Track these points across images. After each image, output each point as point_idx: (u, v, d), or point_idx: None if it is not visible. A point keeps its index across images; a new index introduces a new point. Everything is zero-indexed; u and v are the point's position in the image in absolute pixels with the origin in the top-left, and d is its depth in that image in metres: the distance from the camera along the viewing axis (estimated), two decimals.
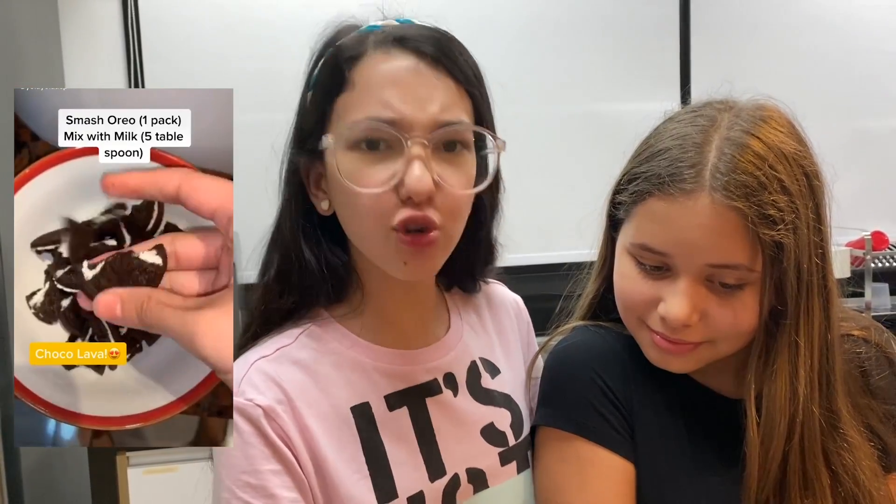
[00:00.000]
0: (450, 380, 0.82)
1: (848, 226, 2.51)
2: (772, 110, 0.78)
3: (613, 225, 0.83)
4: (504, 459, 0.83)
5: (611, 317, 0.86)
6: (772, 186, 0.71)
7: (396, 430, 0.78)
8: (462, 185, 0.74)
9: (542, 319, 0.97)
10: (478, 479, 0.81)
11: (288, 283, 0.78)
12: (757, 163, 0.72)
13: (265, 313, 0.80)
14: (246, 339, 0.80)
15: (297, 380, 0.75)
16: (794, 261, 0.72)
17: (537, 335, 0.97)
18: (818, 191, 0.76)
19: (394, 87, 0.71)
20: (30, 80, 1.90)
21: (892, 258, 2.58)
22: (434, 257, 0.75)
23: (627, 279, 0.78)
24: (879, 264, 2.55)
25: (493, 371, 0.87)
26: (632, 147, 0.82)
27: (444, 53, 0.73)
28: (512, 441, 0.84)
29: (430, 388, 0.81)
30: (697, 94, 2.33)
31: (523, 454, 0.85)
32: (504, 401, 0.86)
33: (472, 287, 0.90)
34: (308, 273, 0.77)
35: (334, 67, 0.73)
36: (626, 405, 0.80)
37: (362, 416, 0.77)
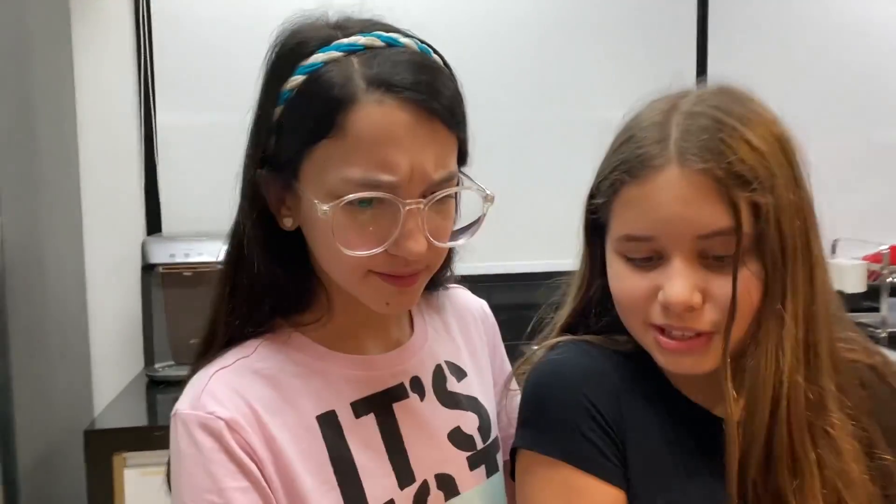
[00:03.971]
0: (416, 384, 0.80)
1: (866, 239, 2.48)
2: (733, 85, 0.76)
3: (595, 233, 0.79)
4: (472, 464, 0.80)
5: (592, 330, 0.82)
6: (738, 146, 0.68)
7: (364, 438, 0.75)
8: (448, 235, 0.73)
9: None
10: (447, 486, 0.78)
11: (248, 296, 0.75)
12: (720, 126, 0.69)
13: (225, 325, 0.76)
14: (203, 351, 0.76)
15: (259, 391, 0.72)
16: (773, 222, 0.68)
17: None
18: (791, 154, 0.72)
19: (390, 147, 0.66)
20: (40, 76, 1.88)
21: None
22: (417, 293, 0.74)
23: (621, 279, 0.74)
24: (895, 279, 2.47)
25: (460, 374, 0.85)
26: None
27: (436, 99, 0.68)
28: (479, 444, 0.81)
29: (397, 393, 0.78)
30: None
31: (492, 458, 0.83)
32: (470, 404, 0.83)
33: (433, 287, 0.87)
34: (271, 287, 0.74)
35: (320, 103, 0.67)
36: (617, 430, 0.75)
37: (329, 424, 0.74)
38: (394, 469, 0.75)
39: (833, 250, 2.51)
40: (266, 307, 0.76)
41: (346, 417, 0.75)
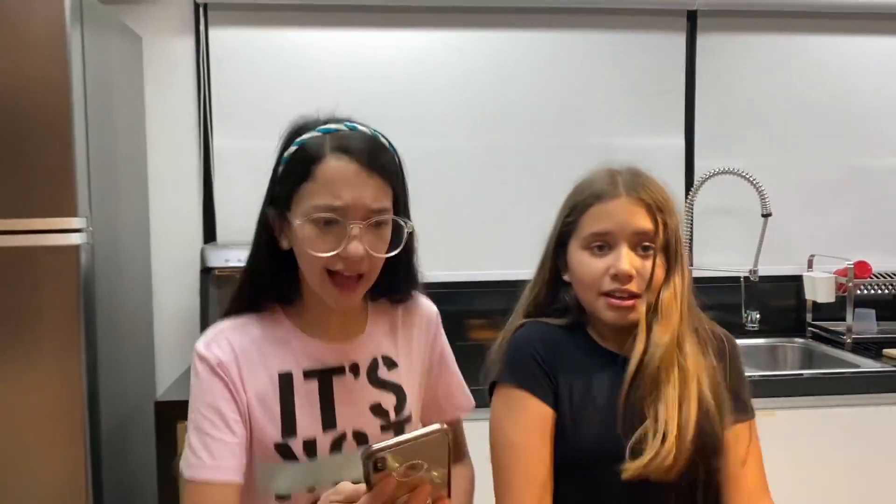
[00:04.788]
0: (354, 368, 1.13)
1: (838, 255, 2.69)
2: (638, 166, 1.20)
3: (560, 242, 1.19)
4: (383, 430, 1.13)
5: (545, 313, 1.22)
6: (654, 189, 1.16)
7: (306, 394, 1.09)
8: (381, 250, 1.05)
9: None
10: (361, 439, 1.11)
11: (256, 286, 1.11)
12: (644, 178, 1.17)
13: (239, 301, 1.13)
14: (225, 314, 1.13)
15: (245, 346, 1.09)
16: (672, 233, 1.15)
17: None
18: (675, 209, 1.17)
19: (342, 185, 0.99)
20: (119, 109, 2.18)
21: (877, 286, 2.68)
22: (357, 295, 1.07)
23: (585, 265, 1.15)
24: (865, 291, 2.67)
25: (391, 365, 1.16)
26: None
27: (375, 159, 1.02)
28: (392, 418, 1.14)
29: (338, 371, 1.12)
30: (701, 133, 2.62)
31: (401, 428, 1.15)
32: (394, 388, 1.16)
33: (398, 299, 1.20)
34: (269, 283, 1.11)
35: (303, 162, 1.01)
36: (551, 370, 1.14)
37: (284, 380, 1.09)
38: (322, 419, 1.09)
39: (809, 265, 2.73)
40: (266, 296, 1.12)
41: (297, 379, 1.10)
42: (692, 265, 2.69)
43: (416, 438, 0.78)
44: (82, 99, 1.87)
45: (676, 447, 1.06)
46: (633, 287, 1.12)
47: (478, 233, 2.65)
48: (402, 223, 1.07)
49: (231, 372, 1.06)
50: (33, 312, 1.82)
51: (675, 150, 2.71)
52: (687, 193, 2.67)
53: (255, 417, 1.06)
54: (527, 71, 2.65)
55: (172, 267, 2.50)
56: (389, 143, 1.08)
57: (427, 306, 1.26)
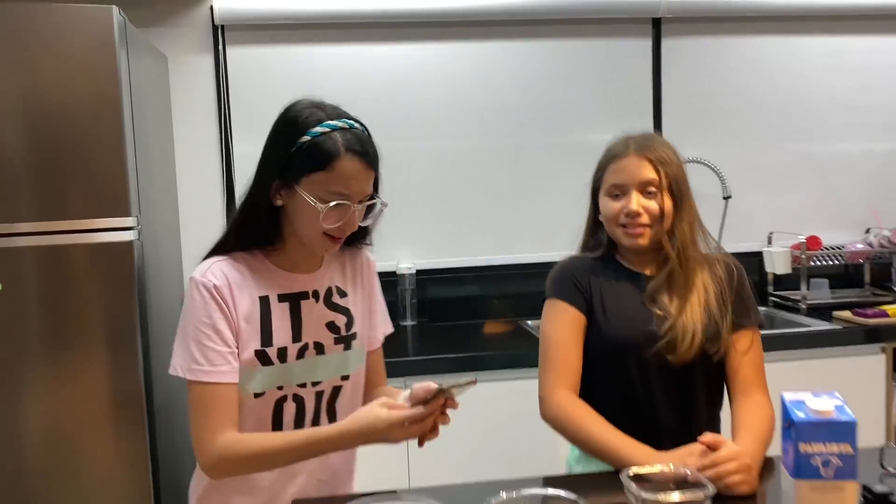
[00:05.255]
0: (315, 293, 1.43)
1: (794, 231, 3.01)
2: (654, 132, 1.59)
3: (595, 193, 1.59)
4: (335, 342, 1.42)
5: (587, 250, 1.64)
6: (660, 149, 1.53)
7: (280, 313, 1.38)
8: (364, 221, 1.36)
9: None
10: (319, 349, 1.41)
11: (244, 230, 1.37)
12: (651, 141, 1.55)
13: (227, 241, 1.39)
14: (214, 250, 1.40)
15: (233, 275, 1.36)
16: (675, 179, 1.52)
17: None
18: (679, 158, 1.57)
19: (353, 180, 1.29)
20: (150, 123, 2.43)
21: (828, 258, 3.02)
22: (338, 246, 1.37)
23: (608, 207, 1.54)
24: (818, 263, 3.01)
25: (342, 294, 1.47)
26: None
27: (373, 157, 1.31)
28: (343, 333, 1.44)
29: (304, 295, 1.42)
30: (667, 126, 2.98)
31: (349, 342, 1.44)
32: (344, 311, 1.45)
33: (347, 247, 1.48)
34: (256, 230, 1.37)
35: (319, 155, 1.27)
36: (586, 288, 1.53)
37: (263, 302, 1.37)
38: (292, 332, 1.38)
39: (769, 241, 3.06)
40: (250, 239, 1.37)
41: (273, 301, 1.37)
42: None
43: (462, 384, 1.21)
44: (130, 113, 2.14)
45: (686, 337, 1.43)
46: (642, 220, 1.50)
47: (472, 222, 2.96)
48: (379, 202, 1.37)
49: (224, 295, 1.31)
50: (94, 301, 2.09)
51: None
52: None
53: (241, 330, 1.32)
54: (511, 77, 2.95)
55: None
56: (368, 132, 1.37)
57: (367, 255, 1.55)
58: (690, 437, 1.32)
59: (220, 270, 1.33)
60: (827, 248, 3.03)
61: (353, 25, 2.84)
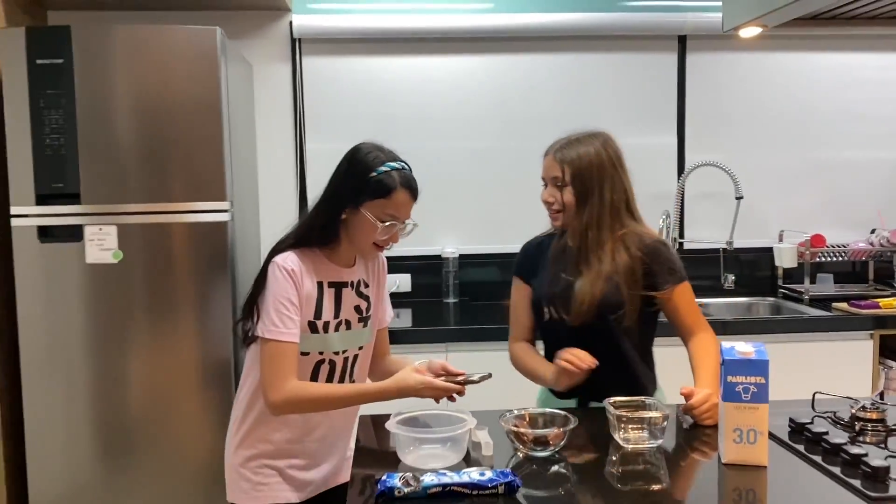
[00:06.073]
0: (351, 283, 1.77)
1: (806, 231, 3.29)
2: (599, 129, 1.89)
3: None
4: (358, 321, 1.77)
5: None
6: (570, 151, 1.82)
7: (328, 296, 1.71)
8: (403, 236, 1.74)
9: None
10: (348, 325, 1.75)
11: (313, 233, 1.69)
12: (568, 143, 1.84)
13: (295, 238, 1.70)
14: (286, 245, 1.69)
15: (300, 265, 1.67)
16: (579, 175, 1.80)
17: None
18: (606, 158, 1.82)
19: (403, 209, 1.66)
20: (237, 122, 2.81)
21: (832, 255, 3.30)
22: (381, 254, 1.79)
23: (542, 196, 1.88)
24: (823, 259, 3.29)
25: (366, 285, 1.82)
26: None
27: (416, 192, 1.68)
28: (364, 314, 1.79)
29: (345, 284, 1.75)
30: (690, 133, 3.37)
31: (367, 322, 1.79)
32: (366, 298, 1.80)
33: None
34: (321, 234, 1.69)
35: (383, 187, 1.62)
36: (532, 263, 1.90)
37: (319, 287, 1.70)
38: (334, 310, 1.72)
39: (780, 238, 3.36)
40: (314, 239, 1.70)
41: (325, 287, 1.71)
42: (683, 239, 3.35)
43: (482, 377, 1.65)
44: (227, 114, 2.57)
45: (584, 304, 1.77)
46: (554, 207, 1.84)
47: (509, 212, 3.34)
48: (411, 224, 1.72)
49: (297, 278, 1.64)
50: (193, 272, 2.51)
51: (668, 146, 3.37)
52: (678, 181, 3.33)
53: (302, 305, 1.66)
54: (549, 87, 3.30)
55: None
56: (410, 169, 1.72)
57: (382, 257, 1.89)
58: (625, 377, 1.82)
59: (295, 259, 1.67)
60: (832, 247, 3.31)
61: (411, 40, 3.22)
